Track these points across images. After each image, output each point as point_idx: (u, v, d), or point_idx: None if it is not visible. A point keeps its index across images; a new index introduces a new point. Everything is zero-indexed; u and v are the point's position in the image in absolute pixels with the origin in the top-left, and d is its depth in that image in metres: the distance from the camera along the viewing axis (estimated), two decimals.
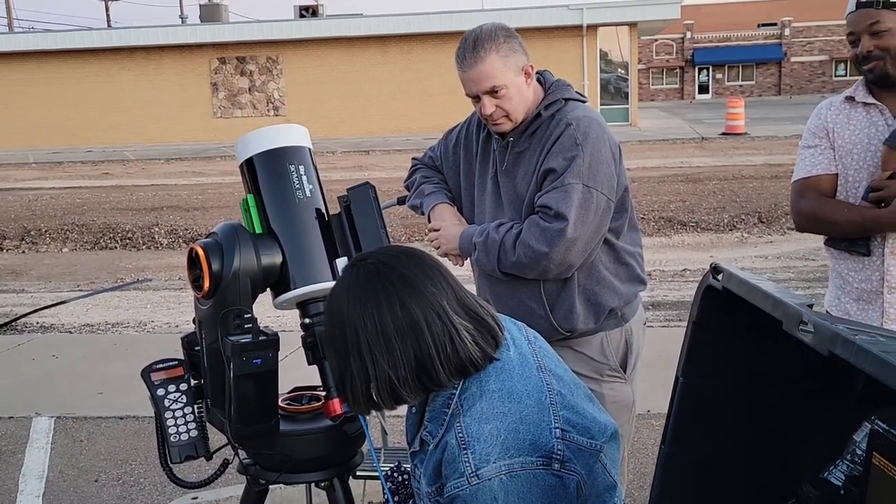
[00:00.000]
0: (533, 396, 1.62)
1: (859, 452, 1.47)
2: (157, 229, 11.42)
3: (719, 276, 1.55)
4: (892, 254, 2.51)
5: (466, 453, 1.55)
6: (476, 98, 2.51)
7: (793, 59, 54.75)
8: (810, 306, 1.30)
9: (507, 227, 2.50)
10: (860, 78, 2.63)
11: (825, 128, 2.65)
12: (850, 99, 2.63)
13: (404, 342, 1.56)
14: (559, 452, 1.57)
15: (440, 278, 1.63)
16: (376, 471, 1.90)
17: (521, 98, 2.50)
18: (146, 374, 2.00)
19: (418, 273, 1.61)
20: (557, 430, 1.59)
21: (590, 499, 1.62)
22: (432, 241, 2.70)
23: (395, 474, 1.96)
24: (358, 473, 2.51)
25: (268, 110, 29.61)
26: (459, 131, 2.80)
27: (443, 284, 1.62)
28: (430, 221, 2.73)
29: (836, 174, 2.61)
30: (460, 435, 1.57)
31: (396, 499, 1.91)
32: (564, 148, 2.45)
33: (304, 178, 2.03)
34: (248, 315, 1.94)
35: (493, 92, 2.46)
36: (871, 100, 2.58)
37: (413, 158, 2.96)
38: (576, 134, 2.45)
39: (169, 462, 2.02)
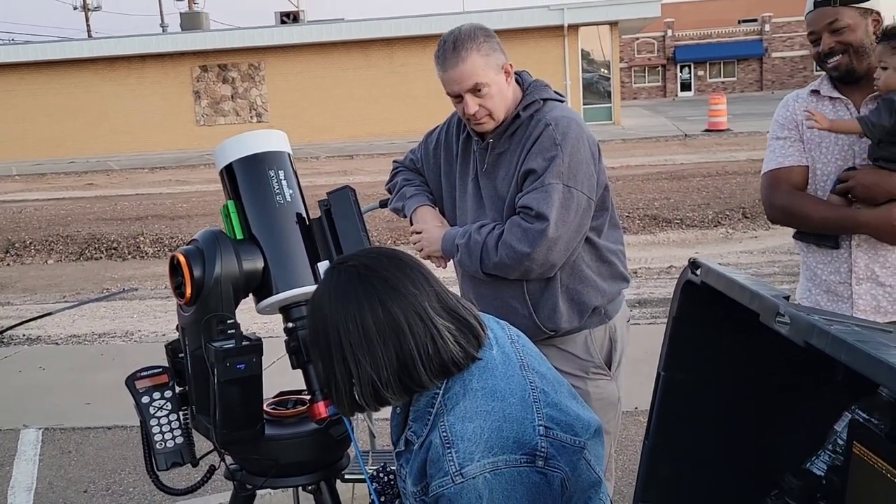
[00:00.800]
0: (516, 394, 1.63)
1: (840, 442, 1.48)
2: (142, 238, 11.37)
3: (698, 271, 1.57)
4: (859, 246, 2.53)
5: (450, 452, 1.55)
6: (458, 98, 2.51)
7: (774, 54, 55.05)
8: (787, 298, 1.32)
9: (489, 229, 2.51)
10: (824, 74, 2.65)
11: (794, 119, 2.66)
12: (816, 92, 2.65)
13: (386, 344, 1.57)
14: (543, 450, 1.58)
15: (421, 279, 1.64)
16: (362, 473, 1.90)
17: (502, 97, 2.51)
18: (130, 382, 1.99)
19: (399, 274, 1.62)
20: (541, 428, 1.60)
21: (574, 496, 1.62)
22: (415, 243, 2.70)
23: (381, 474, 1.96)
24: (346, 477, 2.52)
25: (251, 117, 29.53)
26: (439, 133, 2.81)
27: (424, 285, 1.63)
28: (412, 224, 2.73)
29: (807, 166, 2.62)
30: (444, 434, 1.58)
31: (382, 499, 1.91)
32: (544, 148, 2.46)
33: (284, 182, 2.03)
34: (231, 321, 1.94)
35: (475, 90, 2.47)
36: (836, 94, 2.60)
37: (394, 161, 2.96)
38: (555, 134, 2.47)
39: (155, 469, 2.02)
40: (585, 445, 1.65)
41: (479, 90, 2.46)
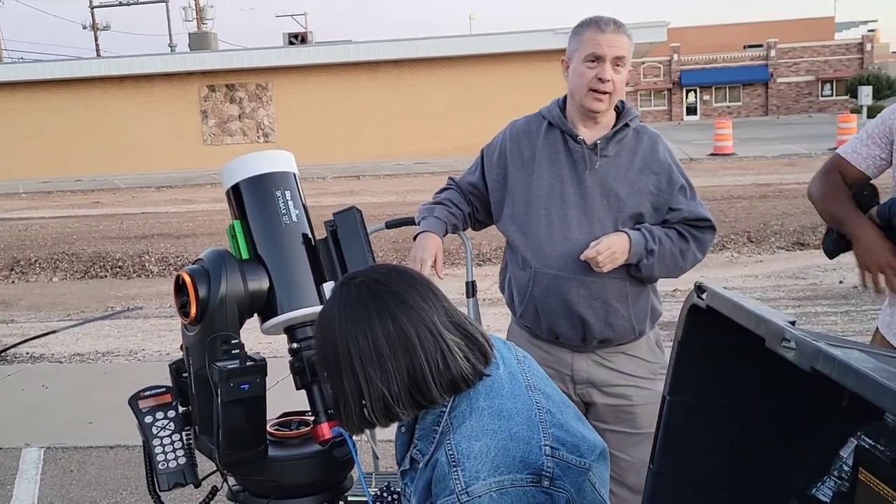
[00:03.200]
0: (523, 414, 1.63)
1: (846, 468, 1.47)
2: (147, 257, 11.39)
3: (703, 295, 1.56)
4: None
5: (456, 470, 1.55)
6: (594, 63, 2.59)
7: (779, 79, 55.24)
8: (793, 323, 1.31)
9: (670, 238, 2.62)
10: None
11: (891, 130, 2.53)
12: None
13: (396, 358, 1.57)
14: (549, 470, 1.58)
15: (430, 295, 1.65)
16: (365, 494, 1.89)
17: (622, 88, 2.65)
18: (134, 401, 1.99)
19: (409, 289, 1.63)
20: (547, 448, 1.60)
21: None
22: (601, 262, 2.55)
23: (385, 494, 1.95)
24: (349, 499, 2.50)
25: (258, 137, 29.65)
26: (501, 144, 2.80)
27: (433, 301, 1.64)
28: (415, 239, 2.72)
29: (868, 177, 2.58)
30: (450, 452, 1.58)
31: None
32: (674, 161, 2.69)
33: (290, 203, 2.04)
34: (236, 340, 1.94)
35: (616, 63, 2.60)
36: None
37: (449, 178, 2.95)
38: (668, 146, 2.72)
39: (157, 490, 2.01)
40: (591, 467, 1.65)
41: (618, 66, 2.60)
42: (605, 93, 2.59)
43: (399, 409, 1.60)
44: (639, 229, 2.59)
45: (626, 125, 2.67)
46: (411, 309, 1.60)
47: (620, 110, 2.71)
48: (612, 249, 2.53)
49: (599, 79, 2.58)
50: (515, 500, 1.54)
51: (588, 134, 2.66)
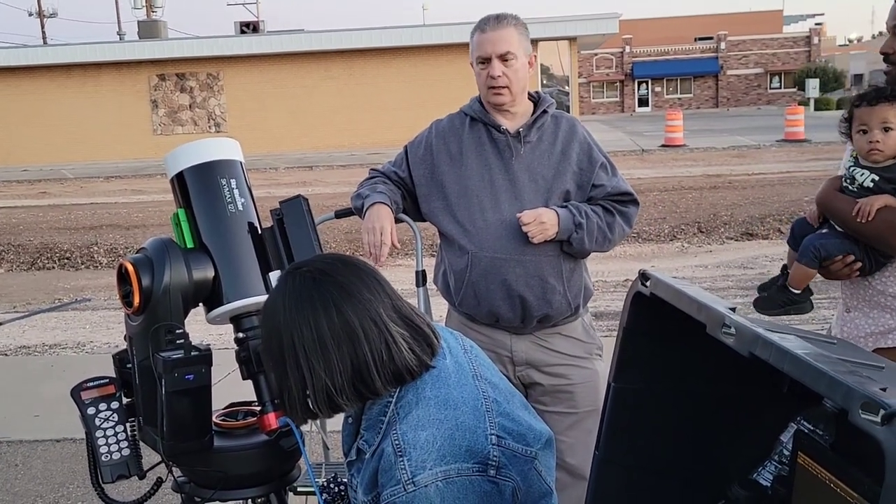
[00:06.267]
0: (469, 403, 1.63)
1: (786, 453, 1.50)
2: (96, 248, 11.19)
3: (647, 283, 1.58)
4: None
5: (403, 460, 1.55)
6: (485, 63, 2.70)
7: (729, 72, 55.97)
8: (733, 309, 1.33)
9: (596, 213, 2.70)
10: None
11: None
12: None
13: (340, 349, 1.56)
14: (495, 459, 1.58)
15: (376, 286, 1.64)
16: (312, 485, 1.88)
17: (523, 77, 2.72)
18: (76, 392, 1.96)
19: (354, 280, 1.62)
20: (493, 437, 1.60)
21: None
22: (531, 231, 2.61)
23: (332, 485, 1.94)
24: (298, 489, 2.49)
25: (209, 127, 29.27)
26: (426, 140, 2.86)
27: (379, 292, 1.63)
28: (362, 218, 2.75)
29: None
30: (396, 442, 1.57)
31: None
32: (593, 141, 2.79)
33: (236, 191, 2.02)
34: (180, 330, 1.91)
35: (504, 58, 2.67)
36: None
37: (371, 169, 2.99)
38: (585, 128, 2.83)
39: (101, 482, 1.98)
40: (537, 455, 1.65)
41: (507, 59, 2.68)
42: (500, 87, 2.69)
43: (342, 400, 1.59)
44: (566, 206, 2.69)
45: (545, 112, 2.78)
46: (356, 300, 1.59)
47: (536, 100, 2.81)
48: (540, 220, 2.61)
49: (491, 76, 2.69)
50: (462, 490, 1.54)
51: (509, 125, 2.76)
